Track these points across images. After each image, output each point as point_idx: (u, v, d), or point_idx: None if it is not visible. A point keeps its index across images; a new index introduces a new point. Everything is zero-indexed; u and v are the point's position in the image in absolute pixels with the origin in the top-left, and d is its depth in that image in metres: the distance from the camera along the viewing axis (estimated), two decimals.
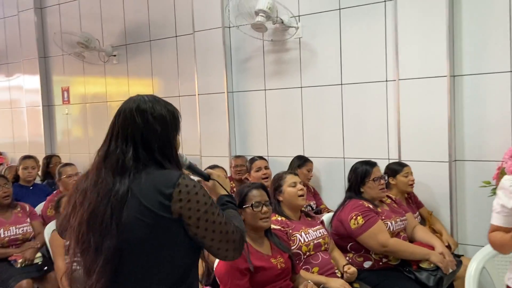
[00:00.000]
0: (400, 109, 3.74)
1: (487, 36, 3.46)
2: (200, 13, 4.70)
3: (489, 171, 3.14)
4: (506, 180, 2.05)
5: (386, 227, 2.91)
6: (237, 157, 4.46)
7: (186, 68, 4.99)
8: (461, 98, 3.58)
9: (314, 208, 3.98)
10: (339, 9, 4.07)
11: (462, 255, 3.34)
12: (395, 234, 2.96)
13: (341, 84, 4.12)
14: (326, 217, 3.18)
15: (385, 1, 3.83)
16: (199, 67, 4.76)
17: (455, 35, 3.56)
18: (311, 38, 4.25)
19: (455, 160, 3.60)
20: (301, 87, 4.35)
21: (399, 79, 3.72)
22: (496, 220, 2.04)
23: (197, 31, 4.72)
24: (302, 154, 4.25)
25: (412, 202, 3.59)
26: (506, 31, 3.37)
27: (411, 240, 3.07)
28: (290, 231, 2.68)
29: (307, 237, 2.68)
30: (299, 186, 2.80)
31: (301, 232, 2.69)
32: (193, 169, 1.77)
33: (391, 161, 3.81)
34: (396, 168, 3.53)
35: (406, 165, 3.51)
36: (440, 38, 3.50)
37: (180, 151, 1.66)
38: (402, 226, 3.03)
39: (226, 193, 1.76)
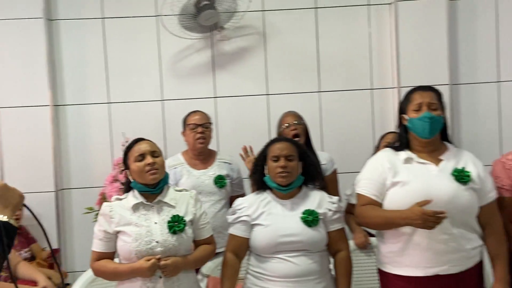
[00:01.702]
0: (2, 139, 3.49)
1: (86, 69, 3.64)
2: None
3: (94, 197, 3.30)
4: (105, 206, 2.16)
5: None
6: None
7: None
8: (65, 127, 3.63)
9: None
10: None
11: (69, 284, 3.35)
12: None
13: None
14: None
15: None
16: None
17: (56, 66, 3.60)
18: None
19: (62, 189, 3.61)
20: None
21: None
22: (98, 246, 2.13)
23: None
24: None
25: (23, 237, 3.38)
26: (102, 66, 3.63)
27: (15, 278, 2.88)
28: None
29: None
30: None
31: None
32: None
33: None
34: None
35: None
36: (41, 68, 3.48)
37: None
38: None
39: None
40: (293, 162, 2.25)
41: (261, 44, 3.67)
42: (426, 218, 1.97)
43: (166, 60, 3.66)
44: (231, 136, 3.63)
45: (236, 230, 2.28)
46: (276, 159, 2.25)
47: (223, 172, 2.97)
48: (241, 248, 2.28)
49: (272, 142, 2.36)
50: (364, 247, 2.89)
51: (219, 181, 2.93)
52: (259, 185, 2.35)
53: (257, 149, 3.04)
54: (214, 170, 2.97)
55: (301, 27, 3.65)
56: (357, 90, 3.66)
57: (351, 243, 3.15)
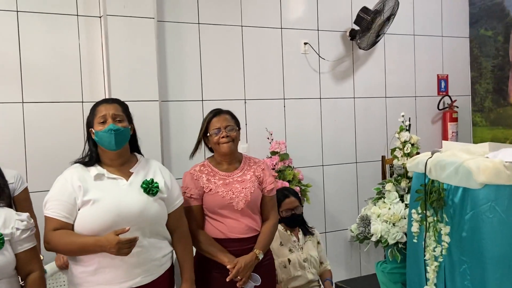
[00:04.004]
0: None
1: None
2: None
3: None
4: None
5: None
6: None
7: None
8: None
9: None
10: None
11: None
12: None
13: None
14: None
15: None
16: None
17: None
18: None
19: None
20: None
21: None
22: None
23: None
24: None
25: None
26: None
27: None
28: None
29: None
30: None
31: None
32: None
33: None
34: None
35: None
36: None
37: None
38: None
39: None
40: None
41: None
42: (121, 246, 2.00)
43: None
44: None
45: None
46: None
47: None
48: None
49: None
50: (67, 267, 2.72)
51: None
52: None
53: None
54: None
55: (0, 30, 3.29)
56: (67, 103, 3.49)
57: (53, 264, 2.95)
